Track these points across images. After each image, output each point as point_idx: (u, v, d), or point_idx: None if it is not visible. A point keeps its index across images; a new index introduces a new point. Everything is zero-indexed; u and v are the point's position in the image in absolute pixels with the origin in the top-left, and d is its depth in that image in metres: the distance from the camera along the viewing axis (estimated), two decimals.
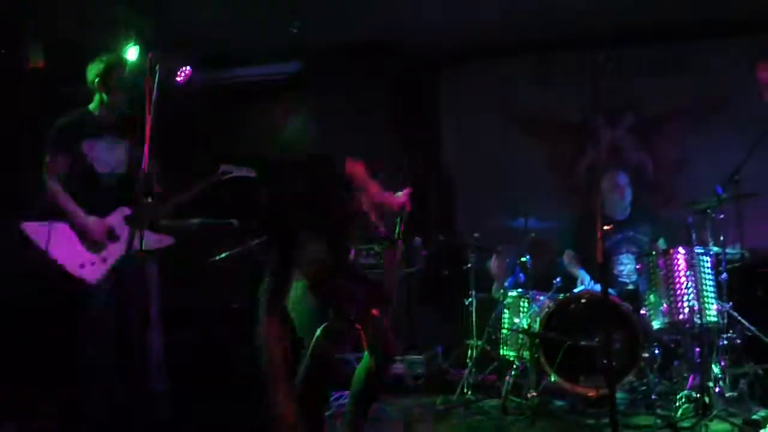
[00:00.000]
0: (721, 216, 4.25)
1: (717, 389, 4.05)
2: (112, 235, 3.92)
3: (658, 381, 4.41)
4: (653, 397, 4.20)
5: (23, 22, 5.12)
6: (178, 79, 4.18)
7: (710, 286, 4.21)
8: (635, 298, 4.58)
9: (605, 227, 3.83)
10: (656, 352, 4.42)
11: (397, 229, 3.48)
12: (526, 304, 4.94)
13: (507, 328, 4.98)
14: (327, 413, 4.47)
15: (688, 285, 4.19)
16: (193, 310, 4.95)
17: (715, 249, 4.28)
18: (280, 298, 3.23)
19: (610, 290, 4.59)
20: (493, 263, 5.45)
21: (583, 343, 4.32)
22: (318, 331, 3.19)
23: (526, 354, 4.67)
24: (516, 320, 4.95)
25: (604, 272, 3.53)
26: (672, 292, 4.25)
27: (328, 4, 5.23)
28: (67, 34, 5.15)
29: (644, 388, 4.36)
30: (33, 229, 3.84)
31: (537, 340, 4.52)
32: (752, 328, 4.26)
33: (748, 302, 4.37)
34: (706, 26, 5.76)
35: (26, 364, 4.66)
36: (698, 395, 3.95)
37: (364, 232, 3.49)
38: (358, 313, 3.27)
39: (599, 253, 3.23)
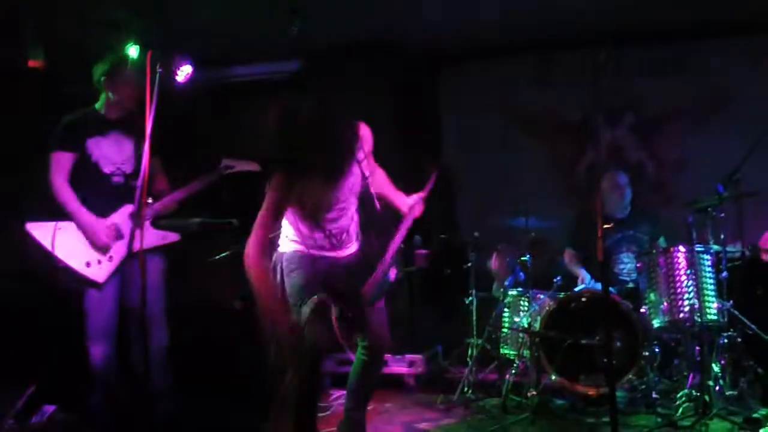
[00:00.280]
0: (722, 215, 4.25)
1: (717, 388, 4.05)
2: (117, 234, 3.92)
3: (658, 380, 4.42)
4: (653, 395, 4.20)
5: (23, 22, 5.13)
6: (177, 78, 4.17)
7: (710, 284, 4.20)
8: (635, 296, 4.58)
9: (605, 226, 3.84)
10: (656, 350, 4.42)
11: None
12: (526, 303, 4.95)
13: (507, 327, 4.98)
14: (327, 413, 4.50)
15: (689, 283, 4.19)
16: (193, 310, 4.95)
17: (716, 247, 4.28)
18: (270, 222, 3.17)
19: (611, 289, 4.59)
20: (494, 262, 5.44)
21: (583, 341, 4.32)
22: (306, 307, 3.15)
23: (526, 353, 4.67)
24: (516, 319, 4.95)
25: (604, 271, 3.53)
26: (672, 290, 4.25)
27: (328, 4, 5.23)
28: (67, 34, 5.16)
29: (644, 386, 4.35)
30: (37, 229, 3.84)
31: (537, 339, 4.52)
32: (753, 326, 4.26)
33: (748, 301, 4.37)
34: (706, 26, 5.76)
35: (29, 362, 4.65)
36: (698, 394, 3.95)
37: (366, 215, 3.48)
38: (350, 298, 3.26)
39: (599, 252, 3.23)
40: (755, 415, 3.88)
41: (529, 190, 6.02)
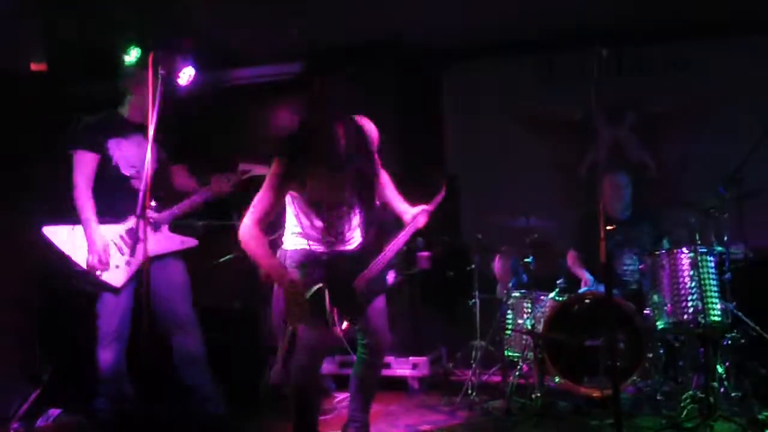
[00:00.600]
0: (725, 215, 4.25)
1: (721, 389, 4.06)
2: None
3: (662, 381, 4.41)
4: (657, 397, 4.21)
5: (24, 22, 5.11)
6: (179, 80, 4.16)
7: (714, 285, 4.19)
8: (639, 298, 4.57)
9: (608, 227, 3.83)
10: (660, 352, 4.42)
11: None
12: (529, 305, 4.94)
13: (511, 329, 4.98)
14: (330, 415, 4.50)
15: (692, 285, 4.18)
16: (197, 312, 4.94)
17: (719, 248, 4.28)
18: (269, 201, 3.21)
19: (614, 290, 4.59)
20: (497, 264, 5.45)
21: (587, 343, 4.32)
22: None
23: (530, 355, 4.67)
24: (520, 321, 4.95)
25: (607, 272, 3.53)
26: (676, 292, 4.24)
27: (329, 5, 5.23)
28: (67, 34, 5.15)
29: (648, 388, 4.36)
30: (54, 233, 3.82)
31: (541, 341, 4.52)
32: (756, 327, 4.27)
33: (752, 302, 4.37)
34: (706, 26, 5.76)
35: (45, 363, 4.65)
36: (703, 395, 3.95)
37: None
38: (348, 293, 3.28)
39: (602, 254, 3.23)
40: (760, 417, 3.88)
41: (532, 190, 6.01)
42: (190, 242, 4.09)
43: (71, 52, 5.26)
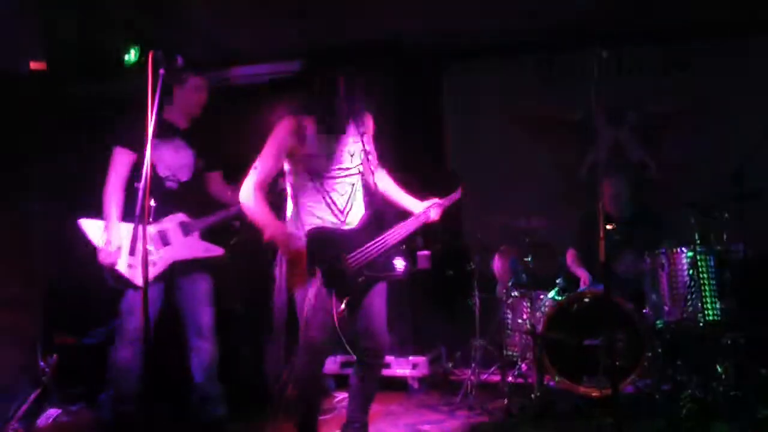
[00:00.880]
0: (725, 215, 4.25)
1: (721, 389, 4.05)
2: (165, 239, 3.89)
3: (662, 381, 4.41)
4: (657, 396, 4.20)
5: (24, 22, 5.12)
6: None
7: (713, 285, 4.20)
8: (638, 297, 4.58)
9: (607, 227, 3.84)
10: (659, 351, 4.42)
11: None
12: (529, 304, 4.95)
13: (510, 329, 4.98)
14: (330, 415, 4.50)
15: (692, 284, 4.19)
16: None
17: (719, 248, 4.28)
18: (268, 164, 3.32)
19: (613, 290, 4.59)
20: (496, 263, 5.45)
21: (586, 343, 4.32)
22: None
23: (529, 354, 4.67)
24: (519, 320, 4.95)
25: (606, 272, 3.54)
26: (675, 291, 4.25)
27: (329, 5, 5.23)
28: (67, 34, 5.15)
29: (648, 388, 4.36)
30: (89, 226, 3.83)
31: (540, 340, 4.52)
32: (756, 327, 4.26)
33: (751, 301, 4.36)
34: (706, 26, 5.76)
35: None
36: (702, 395, 3.95)
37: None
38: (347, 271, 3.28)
39: (602, 253, 3.24)
40: (759, 416, 3.88)
41: (531, 190, 6.02)
42: (215, 250, 4.04)
43: (71, 52, 5.25)
